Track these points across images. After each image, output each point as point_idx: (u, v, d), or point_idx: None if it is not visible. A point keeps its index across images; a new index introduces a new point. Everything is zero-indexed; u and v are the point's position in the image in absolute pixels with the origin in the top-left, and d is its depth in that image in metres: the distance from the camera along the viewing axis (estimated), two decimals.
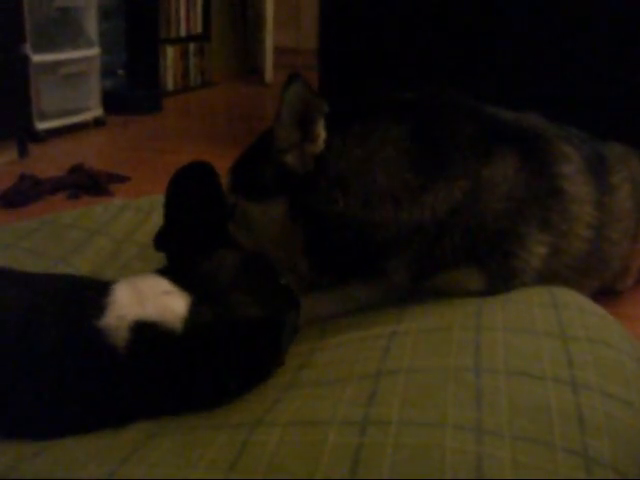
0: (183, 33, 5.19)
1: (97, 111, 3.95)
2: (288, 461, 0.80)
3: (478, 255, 1.24)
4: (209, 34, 5.48)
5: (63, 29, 3.76)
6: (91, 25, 3.90)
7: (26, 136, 3.29)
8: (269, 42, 5.59)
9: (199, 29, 5.38)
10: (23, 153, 3.24)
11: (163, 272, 1.04)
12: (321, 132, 1.24)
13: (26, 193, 2.61)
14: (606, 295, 1.57)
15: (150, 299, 0.98)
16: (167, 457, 0.84)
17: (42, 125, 3.55)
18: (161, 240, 1.10)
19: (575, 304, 1.19)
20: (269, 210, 1.29)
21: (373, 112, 1.31)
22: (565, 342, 1.03)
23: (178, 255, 1.07)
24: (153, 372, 0.96)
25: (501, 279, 1.25)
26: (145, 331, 0.95)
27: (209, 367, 0.97)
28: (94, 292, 1.01)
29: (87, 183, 2.72)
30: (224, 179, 1.32)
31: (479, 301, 1.19)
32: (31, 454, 0.89)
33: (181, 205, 1.08)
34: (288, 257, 1.29)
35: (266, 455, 0.81)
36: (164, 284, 1.00)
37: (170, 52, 5.05)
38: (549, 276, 1.29)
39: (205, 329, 0.96)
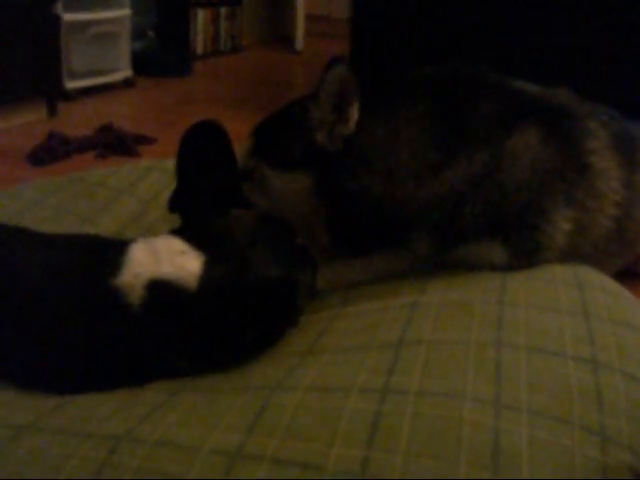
0: None
1: (126, 72, 3.95)
2: (306, 425, 0.80)
3: (501, 228, 1.23)
4: None
5: None
6: None
7: (56, 95, 3.31)
8: (300, 9, 5.54)
9: None
10: (52, 112, 3.25)
11: (178, 232, 1.05)
12: (354, 114, 1.25)
13: (54, 151, 2.62)
14: (628, 277, 1.56)
15: (166, 258, 0.98)
16: (186, 418, 0.85)
17: (72, 84, 3.56)
18: (175, 201, 1.10)
19: (599, 284, 1.18)
20: (292, 182, 1.29)
21: (398, 89, 1.32)
22: (587, 321, 1.03)
23: (192, 216, 1.07)
24: (169, 330, 0.97)
25: (524, 253, 1.24)
26: (160, 289, 0.96)
27: (224, 325, 0.97)
28: (111, 251, 1.02)
29: (115, 143, 2.73)
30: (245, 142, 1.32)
31: (502, 276, 1.19)
32: (51, 408, 0.90)
33: (193, 165, 1.08)
34: (307, 229, 1.30)
35: (284, 419, 0.82)
36: (179, 244, 1.01)
37: (201, 15, 5.03)
38: (572, 253, 1.28)
39: (219, 287, 0.97)
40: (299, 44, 5.56)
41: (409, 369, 0.89)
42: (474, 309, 1.05)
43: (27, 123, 3.11)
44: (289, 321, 1.06)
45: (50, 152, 2.62)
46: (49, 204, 1.59)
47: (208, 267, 0.97)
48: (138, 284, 0.96)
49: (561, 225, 1.25)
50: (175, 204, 1.10)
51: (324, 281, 1.28)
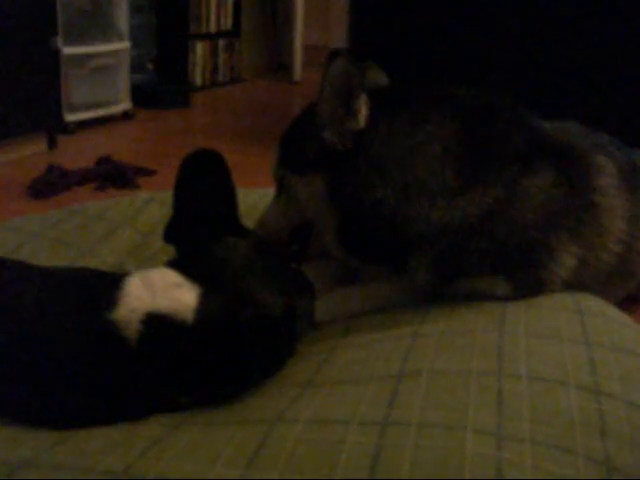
0: (213, 29, 5.21)
1: (126, 104, 3.98)
2: (306, 459, 0.79)
3: (505, 264, 1.22)
4: (239, 30, 5.50)
5: (94, 22, 3.80)
6: (122, 19, 3.93)
7: (55, 128, 3.33)
8: (298, 40, 5.60)
9: (229, 25, 5.41)
10: (52, 144, 3.27)
11: (173, 264, 1.04)
12: (362, 108, 1.22)
13: (54, 184, 2.63)
14: (630, 303, 1.56)
15: (161, 291, 0.98)
16: (185, 452, 0.84)
17: (71, 117, 3.58)
18: (171, 231, 1.09)
19: (599, 311, 1.17)
20: (308, 185, 1.27)
21: (424, 102, 1.29)
22: (589, 349, 1.02)
23: (188, 246, 1.07)
24: (167, 364, 0.96)
25: (528, 288, 1.23)
26: (157, 323, 0.95)
27: (222, 358, 0.96)
28: (107, 285, 1.01)
29: (114, 175, 2.74)
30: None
31: (503, 305, 1.18)
32: (50, 444, 0.89)
33: (190, 193, 1.08)
34: (321, 234, 1.29)
35: (285, 453, 0.81)
36: (175, 276, 1.00)
37: (199, 47, 5.07)
38: (575, 286, 1.27)
39: (216, 320, 0.96)
40: (297, 74, 5.61)
41: (410, 401, 0.88)
42: (475, 338, 1.05)
43: (27, 156, 3.12)
44: (288, 349, 1.06)
45: (50, 185, 2.63)
46: (48, 237, 1.58)
47: (204, 299, 0.96)
48: (134, 318, 0.96)
49: (566, 262, 1.25)
50: (171, 234, 1.09)
51: (324, 311, 1.27)
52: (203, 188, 1.07)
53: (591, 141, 1.40)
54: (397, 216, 1.21)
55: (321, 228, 1.29)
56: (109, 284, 1.01)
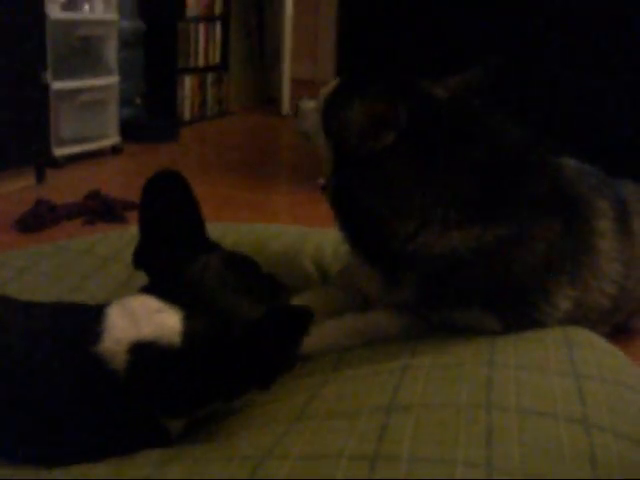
0: (201, 63, 5.24)
1: (114, 139, 3.99)
2: None
3: (497, 302, 1.22)
4: (227, 64, 5.54)
5: (83, 57, 3.82)
6: (111, 54, 3.95)
7: (44, 162, 3.33)
8: (286, 73, 5.64)
9: (217, 59, 5.44)
10: (41, 179, 3.27)
11: (149, 289, 1.04)
12: (388, 138, 1.21)
13: (42, 218, 2.63)
14: (619, 333, 1.56)
15: (143, 319, 0.97)
16: None
17: (60, 151, 3.59)
18: (139, 256, 1.09)
19: (588, 342, 1.18)
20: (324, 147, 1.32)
21: (452, 131, 1.25)
22: (577, 380, 1.03)
23: (158, 270, 1.07)
24: (158, 390, 0.96)
25: (519, 326, 1.22)
26: (144, 351, 0.95)
27: (214, 375, 0.97)
28: (88, 317, 1.01)
29: (103, 210, 2.74)
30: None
31: (491, 338, 1.19)
32: None
33: (154, 217, 1.07)
34: None
35: None
36: (154, 302, 0.99)
37: (188, 81, 5.10)
38: (566, 323, 1.27)
39: (204, 339, 0.96)
40: (285, 108, 5.64)
41: (399, 435, 0.88)
42: (464, 371, 1.05)
43: (15, 190, 3.12)
44: (281, 358, 1.04)
45: (38, 219, 2.62)
46: (36, 272, 1.58)
47: (188, 321, 0.96)
48: (120, 350, 0.95)
49: (561, 304, 1.25)
50: (140, 259, 1.08)
51: (315, 344, 1.27)
52: (167, 209, 1.07)
53: (589, 182, 1.40)
54: (388, 226, 1.22)
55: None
56: (90, 317, 1.01)
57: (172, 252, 1.05)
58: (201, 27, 5.18)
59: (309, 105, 1.41)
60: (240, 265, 1.09)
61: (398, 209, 1.21)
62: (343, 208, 1.29)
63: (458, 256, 1.19)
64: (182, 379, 0.96)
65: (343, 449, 0.86)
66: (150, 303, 1.00)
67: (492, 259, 1.20)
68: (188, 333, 0.95)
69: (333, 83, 1.36)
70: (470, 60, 1.32)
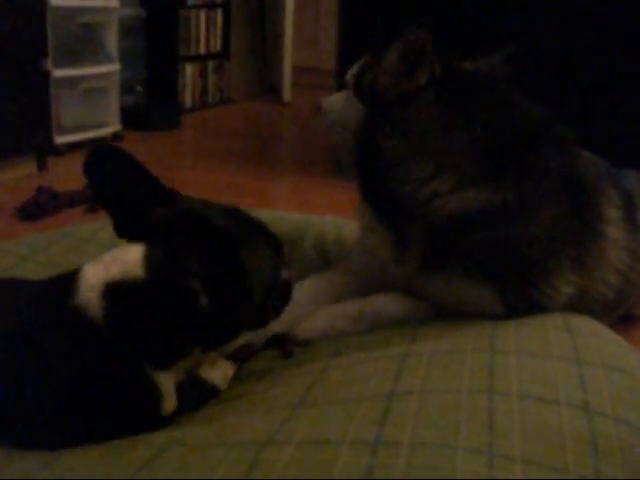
0: (202, 51, 5.23)
1: (115, 126, 3.99)
2: None
3: (497, 274, 1.22)
4: (228, 52, 5.52)
5: (84, 45, 3.82)
6: (112, 41, 3.95)
7: (45, 150, 3.33)
8: (287, 61, 5.63)
9: (218, 47, 5.43)
10: (42, 167, 3.27)
11: None
12: (423, 77, 1.26)
13: (44, 206, 2.63)
14: (621, 320, 1.56)
15: (112, 262, 0.99)
16: (175, 475, 0.84)
17: (61, 139, 3.59)
18: (118, 228, 1.09)
19: (589, 329, 1.18)
20: (349, 106, 1.35)
21: (481, 85, 1.32)
22: (579, 367, 1.03)
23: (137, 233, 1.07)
24: (133, 333, 0.96)
25: (519, 308, 1.23)
26: (115, 290, 0.96)
27: (183, 309, 0.97)
28: (70, 278, 1.02)
29: None
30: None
31: (493, 323, 1.19)
32: (38, 468, 0.89)
33: (108, 194, 1.06)
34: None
35: (275, 474, 0.80)
36: (123, 247, 1.01)
37: (189, 69, 5.09)
38: (568, 309, 1.27)
39: (163, 263, 0.96)
40: (287, 95, 5.63)
41: (401, 420, 0.88)
42: (465, 357, 1.05)
43: (16, 178, 3.12)
44: (253, 277, 1.03)
45: (39, 207, 2.62)
46: (39, 260, 1.58)
47: (148, 251, 0.97)
48: (94, 295, 0.96)
49: (564, 289, 1.25)
50: (119, 229, 1.08)
51: (315, 330, 1.27)
52: (115, 181, 1.06)
53: (602, 169, 1.40)
54: (402, 170, 1.23)
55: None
56: (72, 276, 1.01)
57: (140, 213, 1.05)
58: (202, 14, 5.16)
59: (330, 99, 1.44)
60: (208, 205, 1.09)
61: (419, 149, 1.22)
62: (366, 155, 1.29)
63: (466, 214, 1.19)
64: (153, 314, 0.96)
65: (344, 435, 0.86)
66: (119, 249, 1.01)
67: (497, 223, 1.20)
68: (149, 261, 0.96)
69: (355, 65, 1.40)
70: (478, 45, 1.37)
